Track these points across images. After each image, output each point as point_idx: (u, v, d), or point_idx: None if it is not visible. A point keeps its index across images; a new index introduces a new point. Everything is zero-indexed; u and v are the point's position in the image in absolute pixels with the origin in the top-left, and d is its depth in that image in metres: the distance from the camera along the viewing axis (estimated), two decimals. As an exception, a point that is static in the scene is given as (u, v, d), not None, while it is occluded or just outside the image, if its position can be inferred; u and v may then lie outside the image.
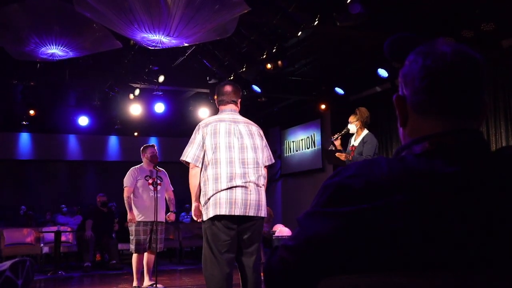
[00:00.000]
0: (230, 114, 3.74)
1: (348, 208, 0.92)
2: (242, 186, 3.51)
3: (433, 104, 0.99)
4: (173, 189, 6.42)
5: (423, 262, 0.87)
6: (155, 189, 6.05)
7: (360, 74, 8.63)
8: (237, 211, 3.48)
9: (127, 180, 6.14)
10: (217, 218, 3.49)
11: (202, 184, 3.59)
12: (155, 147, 6.41)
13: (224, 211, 3.46)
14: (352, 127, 5.59)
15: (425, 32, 6.09)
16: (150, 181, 6.15)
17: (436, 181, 0.90)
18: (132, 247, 6.07)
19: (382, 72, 7.71)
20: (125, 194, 6.10)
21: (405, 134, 1.06)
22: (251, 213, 3.53)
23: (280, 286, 1.01)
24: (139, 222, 6.05)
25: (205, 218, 3.56)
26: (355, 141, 5.55)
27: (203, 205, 3.57)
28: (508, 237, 0.85)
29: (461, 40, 6.08)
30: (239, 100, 3.86)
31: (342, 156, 5.56)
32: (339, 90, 8.99)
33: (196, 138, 3.62)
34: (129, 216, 6.06)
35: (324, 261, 0.93)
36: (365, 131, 5.54)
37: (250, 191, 3.54)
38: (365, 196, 0.91)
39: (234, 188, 3.49)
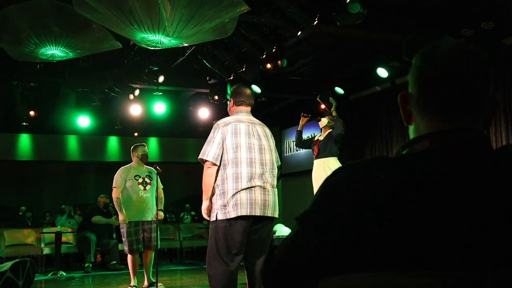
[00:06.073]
0: (246, 115, 3.78)
1: (346, 207, 0.92)
2: (260, 187, 3.55)
3: (432, 102, 0.98)
4: (163, 187, 6.37)
5: (424, 261, 0.86)
6: (145, 188, 6.05)
7: (360, 74, 8.62)
8: (257, 211, 3.51)
9: (116, 181, 6.07)
10: (236, 218, 3.48)
11: (219, 183, 3.57)
12: (146, 146, 6.35)
13: (245, 211, 3.47)
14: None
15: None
16: (140, 180, 6.13)
17: (435, 180, 0.89)
18: (126, 248, 6.07)
19: (382, 72, 7.70)
20: (114, 195, 6.02)
21: (410, 132, 1.05)
22: (269, 213, 3.58)
23: (278, 286, 1.00)
24: (130, 223, 6.02)
25: (220, 217, 3.52)
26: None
27: (221, 205, 3.53)
28: (509, 236, 0.85)
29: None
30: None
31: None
32: (339, 90, 8.98)
33: (216, 137, 3.60)
34: (120, 217, 5.99)
35: (323, 260, 0.93)
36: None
37: (268, 191, 3.58)
38: (363, 196, 0.91)
39: (253, 188, 3.52)
